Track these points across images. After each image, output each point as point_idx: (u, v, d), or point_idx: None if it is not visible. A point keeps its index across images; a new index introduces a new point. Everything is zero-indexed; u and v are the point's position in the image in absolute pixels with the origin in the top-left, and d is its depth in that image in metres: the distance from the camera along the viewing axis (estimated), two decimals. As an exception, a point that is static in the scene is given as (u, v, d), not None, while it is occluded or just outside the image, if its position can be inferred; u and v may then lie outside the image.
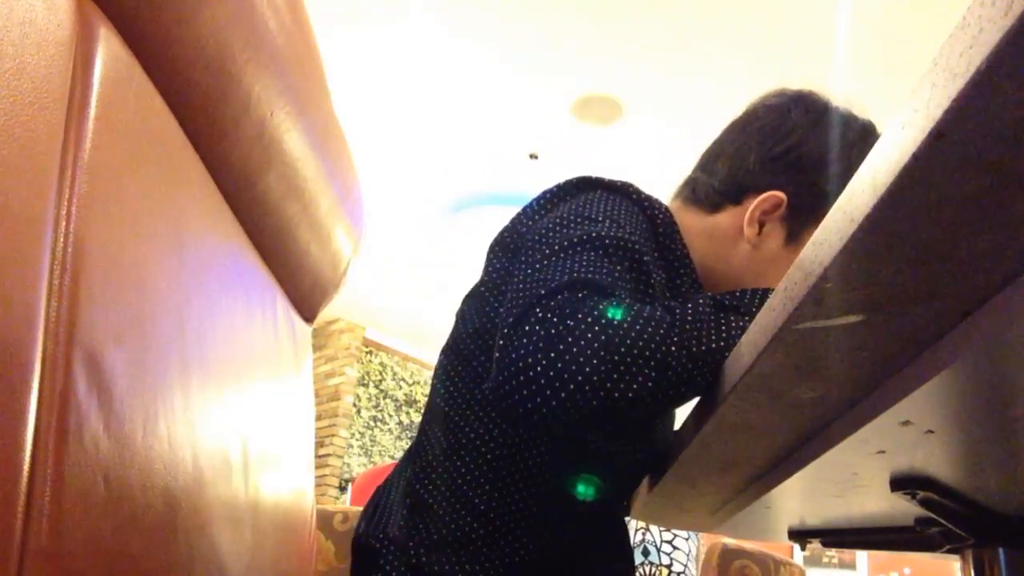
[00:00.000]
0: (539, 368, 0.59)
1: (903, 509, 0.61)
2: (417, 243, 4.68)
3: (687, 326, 0.61)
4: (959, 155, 0.27)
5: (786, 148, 0.84)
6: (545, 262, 0.68)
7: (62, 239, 0.45)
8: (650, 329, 0.60)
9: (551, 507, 0.76)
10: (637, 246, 0.72)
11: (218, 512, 0.68)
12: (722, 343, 0.61)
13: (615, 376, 0.59)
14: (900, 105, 0.29)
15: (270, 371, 0.90)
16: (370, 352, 5.95)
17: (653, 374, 0.59)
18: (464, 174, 3.96)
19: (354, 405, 5.71)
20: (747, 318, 0.64)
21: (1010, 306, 0.33)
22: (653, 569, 1.88)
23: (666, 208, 0.84)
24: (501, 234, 0.83)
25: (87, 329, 0.46)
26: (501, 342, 0.62)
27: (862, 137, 0.85)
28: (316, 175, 0.88)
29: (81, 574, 0.45)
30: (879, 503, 0.64)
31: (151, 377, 0.56)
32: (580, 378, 0.58)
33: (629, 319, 0.60)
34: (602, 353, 0.59)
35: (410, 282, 5.14)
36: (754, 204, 0.83)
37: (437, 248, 4.66)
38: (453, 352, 0.82)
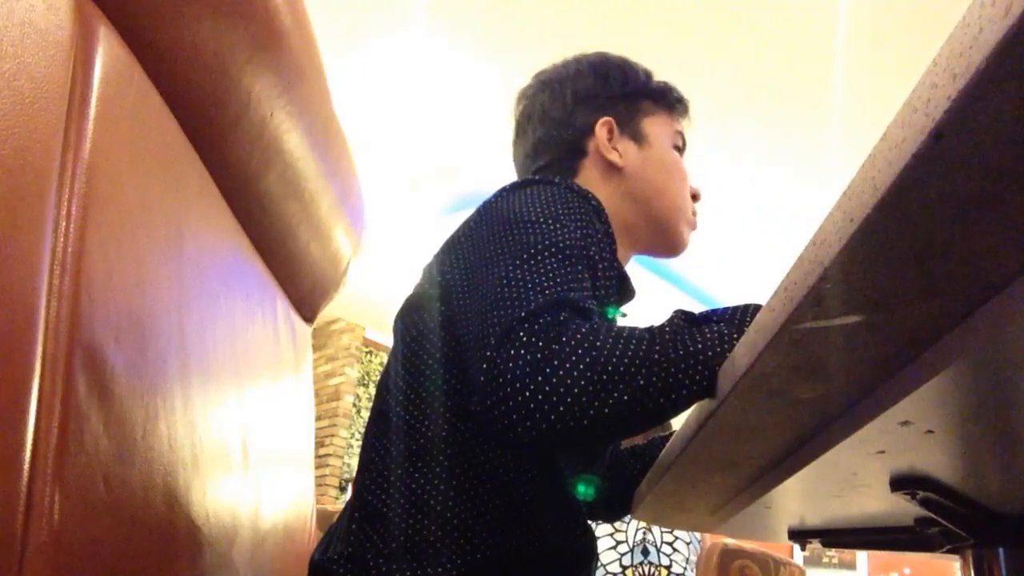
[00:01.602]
0: (527, 393, 0.60)
1: (903, 509, 0.61)
2: (417, 243, 4.69)
3: (667, 337, 0.64)
4: (959, 155, 0.27)
5: (572, 94, 0.97)
6: (511, 275, 0.69)
7: (62, 239, 0.45)
8: (632, 345, 0.63)
9: (509, 503, 0.76)
10: (582, 241, 0.75)
11: (218, 512, 0.68)
12: (699, 345, 0.63)
13: (603, 395, 0.60)
14: (900, 105, 0.29)
15: (270, 371, 0.90)
16: (370, 352, 5.96)
17: (639, 389, 0.61)
18: (464, 175, 3.97)
19: (354, 405, 5.71)
20: (721, 324, 0.65)
21: (1010, 306, 0.33)
22: (652, 569, 1.87)
23: (591, 192, 0.87)
24: (445, 247, 0.85)
25: (87, 329, 0.46)
26: (485, 365, 0.63)
27: (604, 57, 1.00)
28: (316, 175, 0.88)
29: (81, 574, 0.45)
30: (879, 503, 0.64)
31: (151, 377, 0.56)
32: (569, 399, 0.60)
33: (612, 339, 0.63)
34: (588, 373, 0.60)
35: (410, 282, 5.13)
36: (597, 141, 0.94)
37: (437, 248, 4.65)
38: (400, 360, 0.83)
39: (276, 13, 0.70)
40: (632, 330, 0.65)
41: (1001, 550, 0.60)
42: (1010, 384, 0.38)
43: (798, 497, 0.69)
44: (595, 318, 0.67)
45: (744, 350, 0.47)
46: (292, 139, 0.79)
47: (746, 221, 4.22)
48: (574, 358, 0.61)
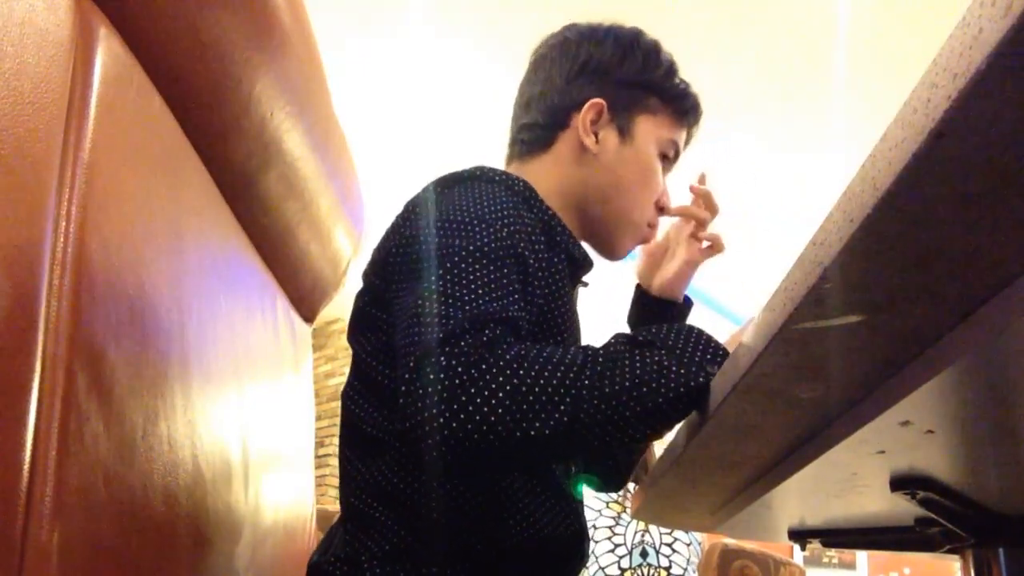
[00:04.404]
0: (442, 419, 0.59)
1: (903, 509, 0.61)
2: (417, 243, 4.67)
3: (599, 367, 0.62)
4: (959, 155, 0.27)
5: (583, 61, 0.94)
6: (434, 287, 0.67)
7: (62, 239, 0.45)
8: (559, 373, 0.60)
9: (498, 498, 0.76)
10: (509, 239, 0.72)
11: (218, 512, 0.68)
12: (636, 380, 0.61)
13: (524, 424, 0.59)
14: (900, 105, 0.29)
15: (270, 371, 0.90)
16: (370, 352, 5.94)
17: (565, 419, 0.59)
18: (464, 174, 3.96)
19: (354, 405, 5.70)
20: (663, 351, 0.64)
21: (1010, 306, 0.33)
22: (652, 571, 1.87)
23: (520, 179, 0.84)
24: (376, 253, 0.82)
25: (87, 329, 0.46)
26: (403, 388, 0.61)
27: (636, 35, 0.97)
28: (316, 175, 0.88)
29: (81, 573, 0.45)
30: (879, 503, 0.64)
31: (151, 377, 0.56)
32: (485, 427, 0.58)
33: (538, 365, 0.60)
34: (507, 401, 0.59)
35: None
36: (580, 117, 0.90)
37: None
38: (357, 375, 0.82)
39: (276, 13, 0.70)
40: (564, 355, 0.62)
41: (1001, 550, 0.60)
42: (1010, 384, 0.38)
43: (798, 497, 0.69)
44: (522, 330, 0.65)
45: (744, 350, 0.47)
46: (292, 139, 0.79)
47: (746, 221, 4.22)
48: (494, 385, 0.59)
